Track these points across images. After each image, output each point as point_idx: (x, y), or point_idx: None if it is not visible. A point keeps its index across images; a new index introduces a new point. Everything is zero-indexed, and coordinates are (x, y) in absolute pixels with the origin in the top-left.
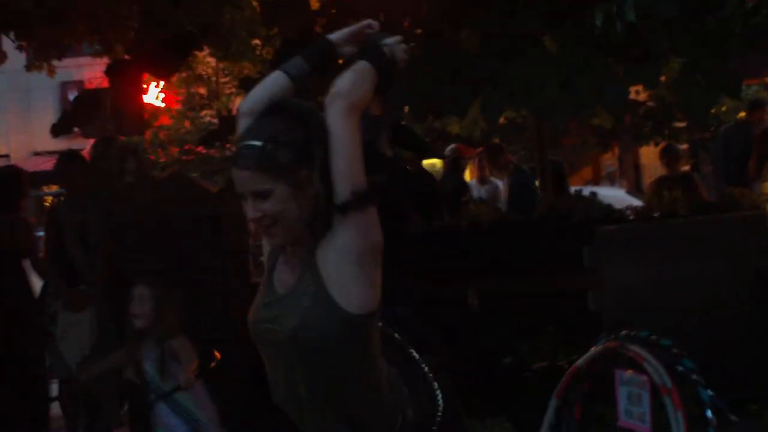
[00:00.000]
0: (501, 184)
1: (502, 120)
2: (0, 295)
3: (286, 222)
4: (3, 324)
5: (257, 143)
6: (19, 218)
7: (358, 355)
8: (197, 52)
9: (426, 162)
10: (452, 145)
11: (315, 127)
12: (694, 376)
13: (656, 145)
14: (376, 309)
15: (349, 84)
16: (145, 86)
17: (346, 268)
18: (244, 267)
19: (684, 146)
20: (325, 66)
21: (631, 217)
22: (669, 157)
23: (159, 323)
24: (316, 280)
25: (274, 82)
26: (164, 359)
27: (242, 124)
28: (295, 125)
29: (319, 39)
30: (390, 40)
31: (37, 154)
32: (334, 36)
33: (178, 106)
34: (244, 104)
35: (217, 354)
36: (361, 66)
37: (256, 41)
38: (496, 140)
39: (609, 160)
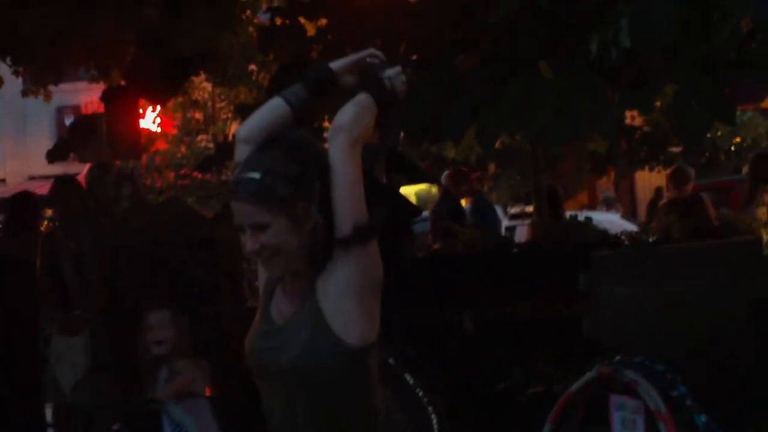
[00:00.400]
0: (497, 208)
1: (497, 144)
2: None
3: (284, 254)
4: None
5: (256, 176)
6: (38, 238)
7: (358, 386)
8: (193, 78)
9: (421, 187)
10: (448, 170)
11: (314, 160)
12: (689, 402)
13: (651, 170)
14: (375, 341)
15: (351, 118)
16: (141, 111)
17: (346, 302)
18: (238, 290)
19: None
20: (324, 94)
21: (626, 242)
22: (677, 179)
23: (174, 348)
24: (315, 312)
25: (272, 108)
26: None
27: (239, 151)
28: (294, 158)
29: (319, 65)
30: (391, 72)
31: (32, 178)
32: (335, 64)
33: (174, 131)
34: (241, 130)
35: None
36: (363, 99)
37: (252, 67)
38: (492, 165)
39: (605, 185)
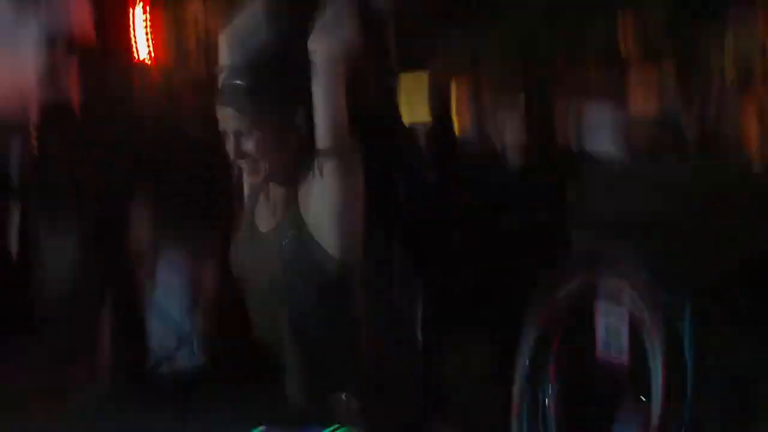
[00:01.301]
0: None
1: None
2: None
3: (267, 161)
4: None
5: (239, 82)
6: None
7: (341, 296)
8: None
9: None
10: None
11: (300, 65)
12: (672, 308)
13: None
14: (356, 260)
15: (334, 21)
16: None
17: (326, 212)
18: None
19: None
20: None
21: None
22: None
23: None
24: (297, 221)
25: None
26: None
27: (223, 53)
28: (279, 63)
29: None
30: None
31: None
32: None
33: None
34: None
35: None
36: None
37: None
38: None
39: None
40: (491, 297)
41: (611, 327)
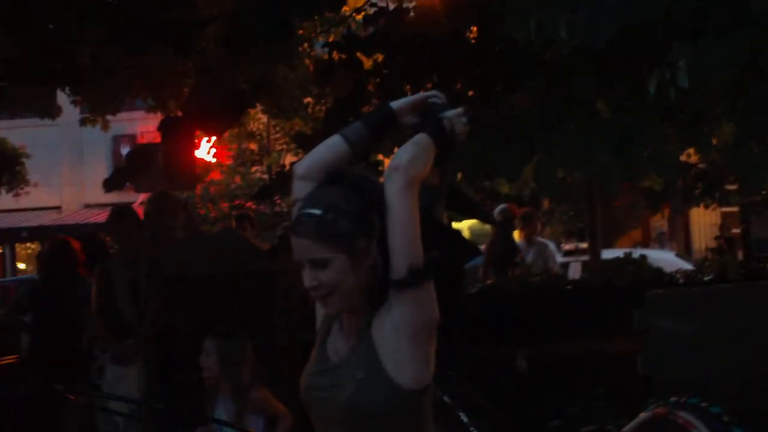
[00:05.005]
0: (551, 244)
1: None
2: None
3: (343, 291)
4: None
5: (317, 212)
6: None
7: (410, 427)
8: (249, 109)
9: (474, 221)
10: (503, 205)
11: (374, 198)
12: None
13: (706, 207)
14: (429, 383)
15: (409, 158)
16: (196, 142)
17: (400, 344)
18: (290, 323)
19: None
20: (384, 133)
21: (681, 281)
22: None
23: (228, 376)
24: (370, 352)
25: (331, 146)
26: (240, 412)
27: (297, 187)
28: (355, 195)
29: (380, 105)
30: (452, 112)
31: (88, 206)
32: (396, 104)
33: (229, 161)
34: (299, 167)
35: None
36: (422, 139)
37: (308, 99)
38: (546, 200)
39: (658, 222)
40: (559, 429)
41: None
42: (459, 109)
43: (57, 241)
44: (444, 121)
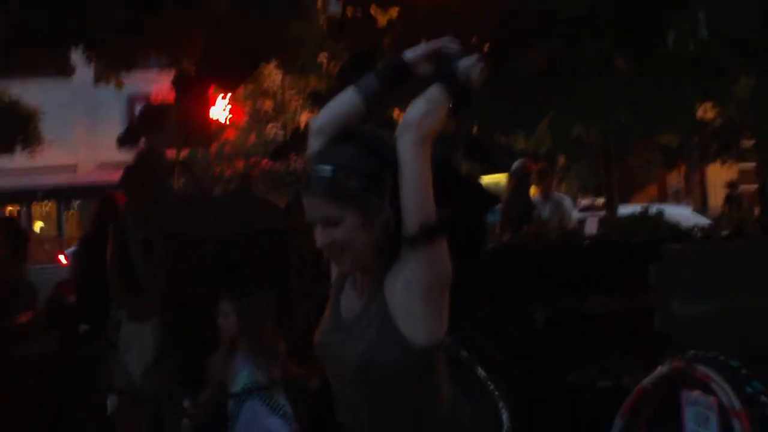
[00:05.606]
0: (567, 200)
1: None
2: None
3: (354, 250)
4: None
5: (328, 170)
6: None
7: (423, 384)
8: (263, 66)
9: (491, 177)
10: (520, 160)
11: (386, 155)
12: (764, 398)
13: (723, 163)
14: (442, 341)
15: (422, 114)
16: (211, 100)
17: (413, 301)
18: (305, 281)
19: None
20: (398, 84)
21: (699, 236)
22: None
23: (247, 335)
24: (382, 310)
25: (345, 99)
26: (260, 372)
27: (313, 143)
28: (367, 152)
29: (393, 57)
30: (467, 61)
31: (103, 165)
32: (409, 54)
33: (244, 120)
34: (315, 122)
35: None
36: (435, 92)
37: (323, 56)
38: (562, 157)
39: (674, 179)
40: (573, 386)
41: (700, 416)
42: (474, 56)
43: (103, 199)
44: (458, 70)
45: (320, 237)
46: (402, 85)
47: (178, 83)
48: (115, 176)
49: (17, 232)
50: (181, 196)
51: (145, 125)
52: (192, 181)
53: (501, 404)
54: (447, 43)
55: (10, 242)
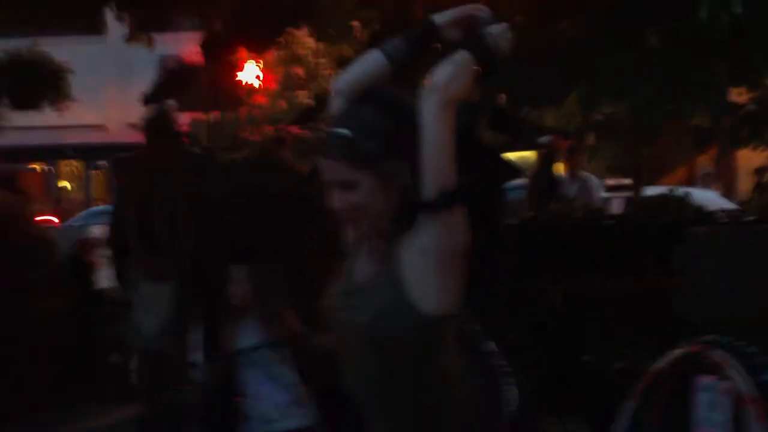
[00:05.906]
0: (595, 179)
1: (599, 116)
2: None
3: (371, 214)
4: None
5: (346, 132)
6: None
7: (431, 354)
8: (296, 33)
9: (518, 154)
10: (548, 136)
11: (407, 118)
12: None
13: (754, 149)
14: (453, 311)
15: (447, 78)
16: (239, 63)
17: (426, 268)
18: (332, 247)
19: None
20: (425, 48)
21: (724, 220)
22: None
23: (259, 302)
24: (394, 275)
25: (371, 61)
26: (268, 337)
27: (334, 103)
28: (387, 115)
29: (422, 20)
30: (496, 28)
31: (131, 125)
32: (438, 17)
33: (275, 86)
34: (338, 82)
35: None
36: (461, 57)
37: (355, 23)
38: (591, 135)
39: (704, 162)
40: (587, 366)
41: (713, 402)
42: (504, 24)
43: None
44: (487, 37)
45: (337, 200)
46: (429, 48)
47: (206, 45)
48: (143, 137)
49: (21, 188)
50: (202, 159)
51: (171, 85)
52: (198, 147)
53: (512, 379)
54: (477, 9)
55: (19, 197)
